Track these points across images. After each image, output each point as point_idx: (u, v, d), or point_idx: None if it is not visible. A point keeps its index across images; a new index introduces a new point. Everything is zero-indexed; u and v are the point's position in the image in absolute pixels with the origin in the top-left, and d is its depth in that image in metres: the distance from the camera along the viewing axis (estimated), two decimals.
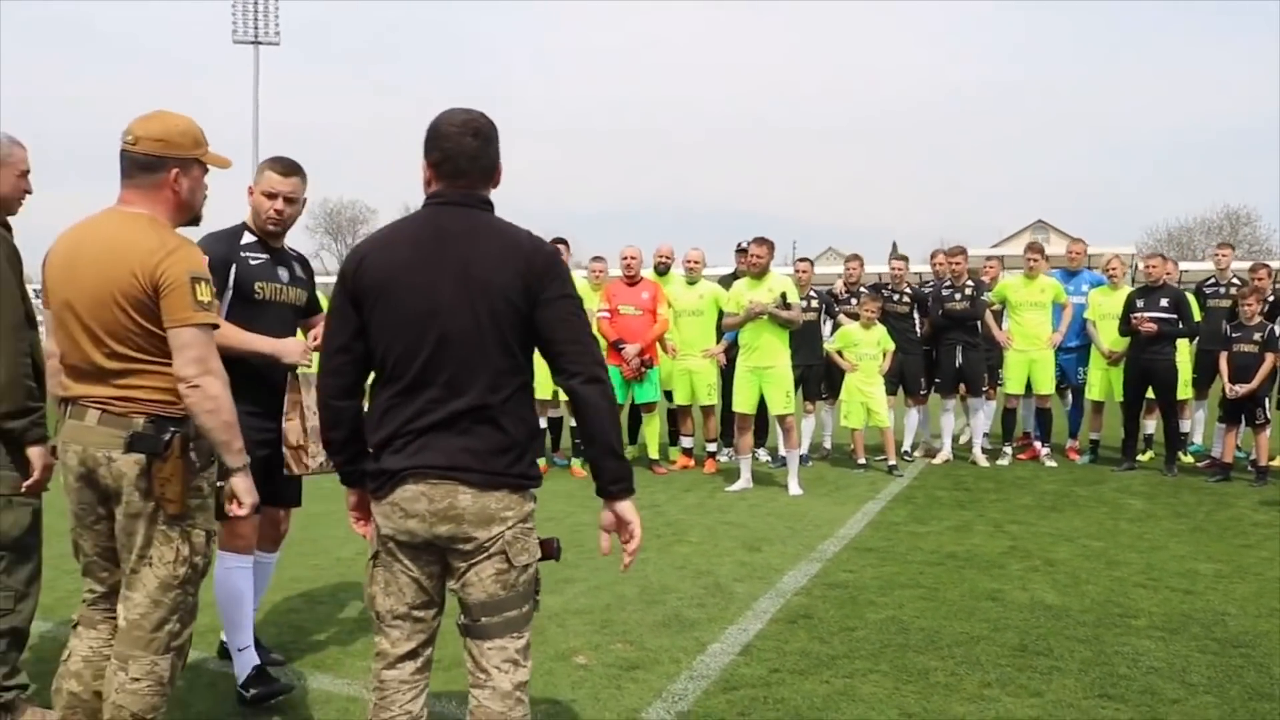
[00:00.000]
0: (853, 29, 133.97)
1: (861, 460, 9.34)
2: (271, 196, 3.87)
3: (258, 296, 3.82)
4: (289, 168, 3.92)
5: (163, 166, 2.91)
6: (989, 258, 11.98)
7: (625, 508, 2.68)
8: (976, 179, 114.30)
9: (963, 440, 10.47)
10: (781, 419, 8.26)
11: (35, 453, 3.42)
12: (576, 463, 9.21)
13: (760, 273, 8.22)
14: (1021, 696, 3.89)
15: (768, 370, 8.13)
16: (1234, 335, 8.58)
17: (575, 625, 4.73)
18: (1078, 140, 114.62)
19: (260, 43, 53.60)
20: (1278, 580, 5.53)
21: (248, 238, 3.93)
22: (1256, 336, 8.44)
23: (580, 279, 9.18)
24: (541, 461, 8.96)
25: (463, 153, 2.61)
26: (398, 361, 2.57)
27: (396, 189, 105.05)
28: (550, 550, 2.73)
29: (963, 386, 9.82)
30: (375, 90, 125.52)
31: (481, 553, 2.58)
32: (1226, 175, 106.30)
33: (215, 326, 2.91)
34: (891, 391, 9.53)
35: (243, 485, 2.97)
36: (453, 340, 2.53)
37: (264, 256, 3.89)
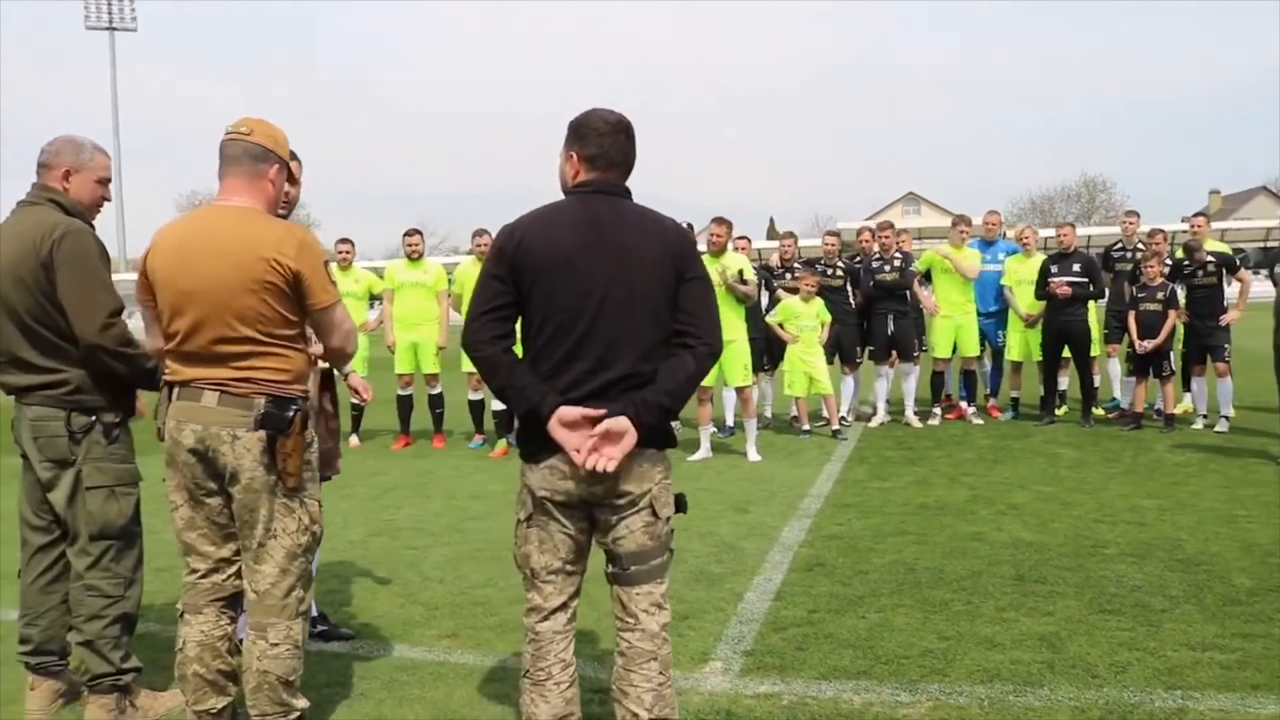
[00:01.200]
0: (719, 7, 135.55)
1: (806, 426, 9.86)
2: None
3: None
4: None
5: (268, 159, 3.16)
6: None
7: (623, 424, 2.75)
8: (848, 155, 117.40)
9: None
10: (740, 390, 8.71)
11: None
12: (502, 443, 9.45)
13: (719, 251, 8.64)
14: (1035, 616, 4.40)
15: (728, 344, 8.53)
16: (1139, 295, 9.39)
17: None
18: (943, 115, 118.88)
19: (116, 29, 51.44)
20: (1211, 510, 6.23)
21: None
22: (1160, 296, 9.26)
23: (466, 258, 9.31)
24: (502, 443, 9.31)
25: (616, 148, 2.92)
26: (555, 334, 2.83)
27: None
28: (681, 504, 3.03)
29: (895, 352, 10.43)
30: (241, 78, 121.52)
31: (632, 507, 2.88)
32: (1084, 145, 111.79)
33: None
34: (829, 360, 10.07)
35: (359, 380, 3.65)
36: (609, 315, 2.81)
37: None
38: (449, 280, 10.05)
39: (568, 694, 2.97)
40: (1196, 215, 10.51)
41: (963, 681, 3.75)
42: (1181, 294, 9.39)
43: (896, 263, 10.06)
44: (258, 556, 3.12)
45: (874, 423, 10.38)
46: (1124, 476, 7.39)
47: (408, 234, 10.03)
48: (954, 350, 10.35)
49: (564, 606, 3.00)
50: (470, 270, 9.55)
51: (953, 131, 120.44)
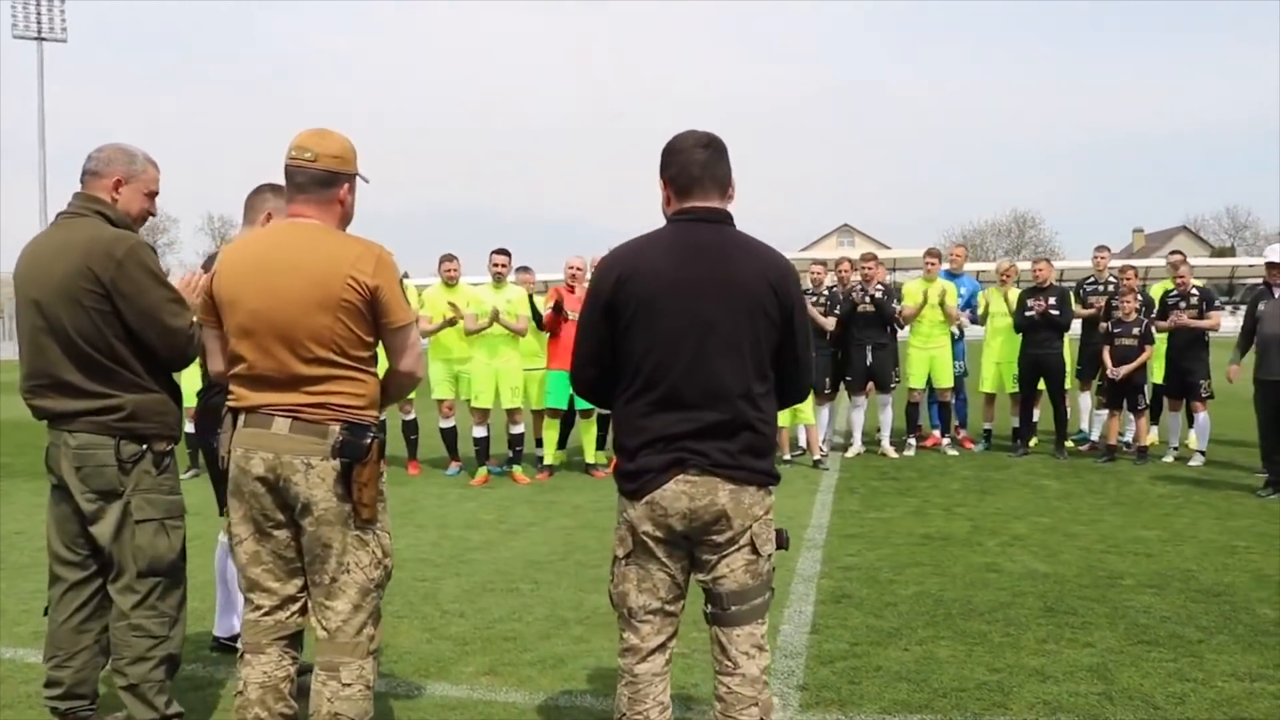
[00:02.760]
0: (657, 32, 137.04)
1: (787, 456, 9.85)
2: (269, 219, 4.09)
3: None
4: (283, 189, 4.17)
5: (337, 182, 3.00)
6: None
7: None
8: (782, 185, 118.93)
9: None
10: None
11: None
12: (517, 470, 9.33)
13: None
14: (1075, 647, 4.41)
15: None
16: (1115, 331, 9.58)
17: None
18: (878, 147, 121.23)
19: (44, 39, 50.18)
20: (1211, 541, 6.34)
21: None
22: (1135, 331, 9.47)
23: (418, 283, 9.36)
24: (482, 471, 9.14)
25: (708, 172, 2.83)
26: (655, 370, 2.75)
27: (198, 196, 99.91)
28: (781, 540, 2.96)
29: (871, 383, 10.49)
30: (172, 92, 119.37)
31: (733, 545, 2.80)
32: (1013, 180, 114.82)
33: None
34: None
35: None
36: (712, 350, 2.73)
37: (204, 273, 4.01)
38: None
39: None
40: (1100, 249, 10.83)
41: (1025, 714, 3.73)
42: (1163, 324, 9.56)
43: (878, 294, 10.13)
44: (329, 593, 2.95)
45: (850, 453, 10.42)
46: (1114, 508, 7.49)
47: (444, 259, 9.74)
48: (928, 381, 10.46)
49: (662, 647, 2.90)
50: (437, 295, 9.37)
51: (884, 166, 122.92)
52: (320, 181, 2.96)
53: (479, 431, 9.25)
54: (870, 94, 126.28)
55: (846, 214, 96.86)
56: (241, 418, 2.96)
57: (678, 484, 2.74)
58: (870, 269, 10.23)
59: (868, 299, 10.13)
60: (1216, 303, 9.80)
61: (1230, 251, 63.87)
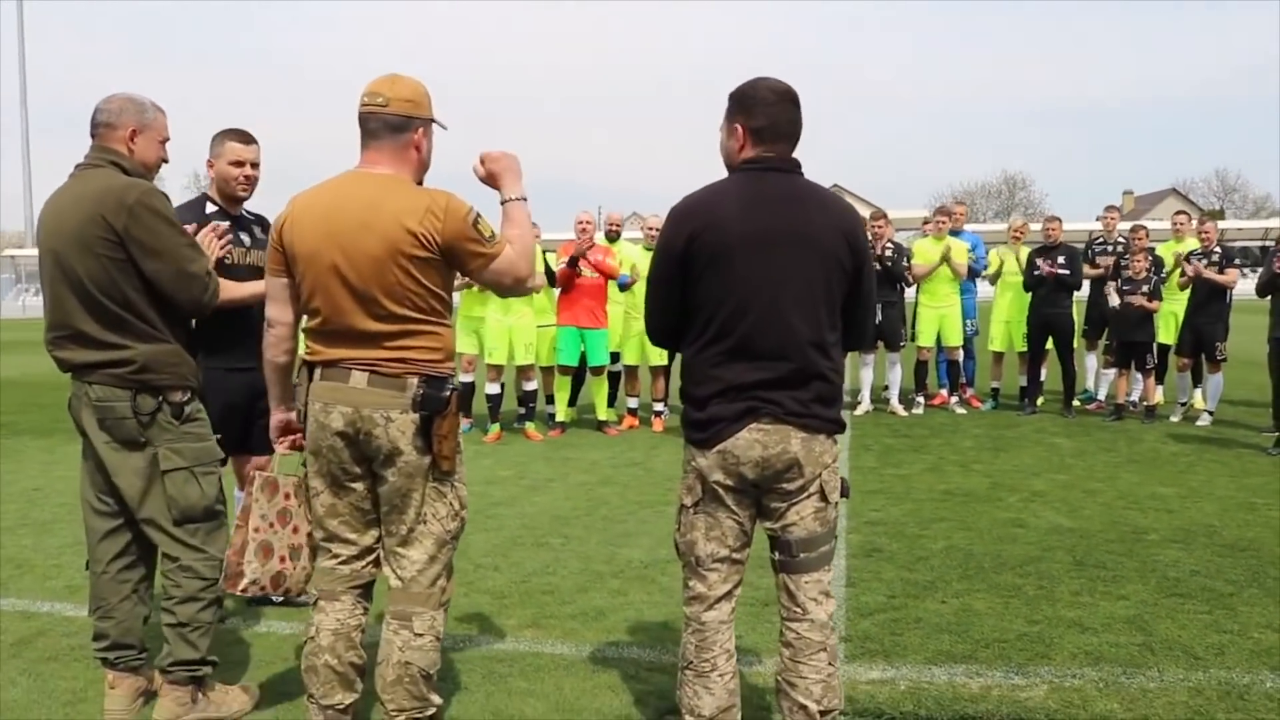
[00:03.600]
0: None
1: None
2: (239, 164, 4.15)
3: (226, 262, 3.98)
4: (248, 136, 4.21)
5: (410, 127, 2.93)
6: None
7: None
8: None
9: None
10: None
11: None
12: (530, 426, 9.34)
13: None
14: (1110, 600, 4.46)
15: None
16: (1125, 289, 9.60)
17: (677, 573, 4.97)
18: (869, 110, 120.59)
19: None
20: (1230, 498, 6.41)
21: (210, 208, 4.22)
22: (1144, 289, 9.49)
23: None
24: (495, 428, 9.15)
25: (786, 120, 2.82)
26: (728, 320, 2.74)
27: (183, 155, 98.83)
28: (845, 489, 2.98)
29: (880, 342, 10.50)
30: (157, 50, 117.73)
31: (803, 493, 2.82)
32: (1003, 142, 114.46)
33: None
34: None
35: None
36: (785, 300, 2.73)
37: (226, 224, 3.99)
38: None
39: (730, 685, 2.90)
40: (1109, 209, 10.85)
41: (1069, 664, 3.78)
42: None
43: (889, 252, 10.12)
44: (406, 542, 2.96)
45: (859, 411, 10.46)
46: (1129, 465, 7.56)
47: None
48: (938, 340, 10.49)
49: (728, 595, 2.92)
50: None
51: (873, 127, 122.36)
52: (393, 127, 2.90)
53: (492, 388, 9.24)
54: (859, 54, 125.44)
55: (838, 175, 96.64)
56: (318, 371, 2.93)
57: (750, 432, 2.76)
58: (879, 228, 10.21)
59: (877, 258, 10.13)
60: (1235, 261, 9.78)
61: (1219, 214, 63.96)
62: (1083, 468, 7.49)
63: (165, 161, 3.53)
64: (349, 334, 2.87)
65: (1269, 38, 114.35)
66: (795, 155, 2.89)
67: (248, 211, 4.32)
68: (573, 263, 8.90)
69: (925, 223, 11.44)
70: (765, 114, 2.82)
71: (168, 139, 3.51)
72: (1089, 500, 6.40)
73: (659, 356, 9.52)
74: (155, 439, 3.30)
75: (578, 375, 9.79)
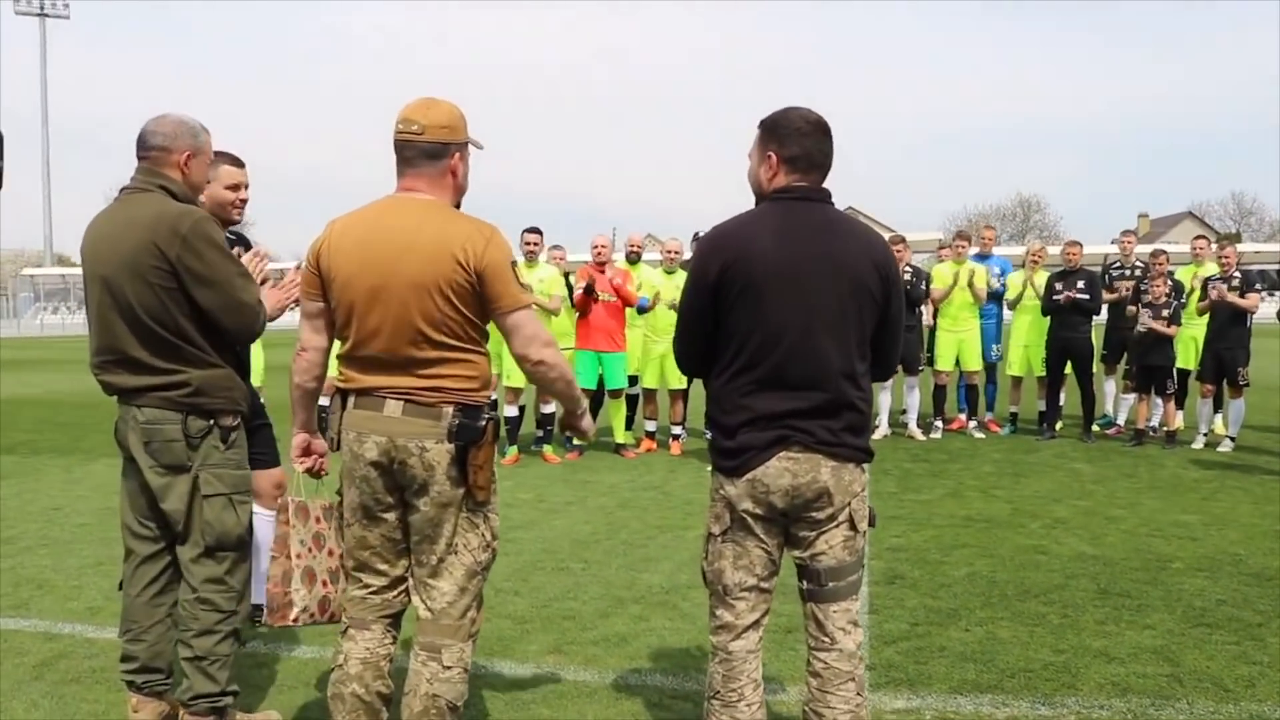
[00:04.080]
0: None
1: None
2: (234, 188, 4.13)
3: None
4: (239, 160, 4.18)
5: (447, 153, 2.92)
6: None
7: None
8: None
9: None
10: None
11: None
12: (547, 449, 9.33)
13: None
14: (1136, 629, 4.42)
15: None
16: (1148, 314, 9.56)
17: (699, 599, 4.95)
18: (883, 131, 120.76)
19: (46, 15, 50.09)
20: (1254, 526, 6.35)
21: None
22: (1165, 314, 9.45)
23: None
24: (513, 450, 9.15)
25: (819, 150, 2.83)
26: (760, 349, 2.74)
27: None
28: (872, 518, 2.97)
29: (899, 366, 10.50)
30: (175, 74, 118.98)
31: (832, 522, 2.81)
32: (1019, 165, 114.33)
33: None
34: None
35: (586, 423, 3.19)
36: (817, 330, 2.73)
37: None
38: None
39: (758, 715, 2.88)
40: (1126, 233, 10.85)
41: (1096, 695, 3.74)
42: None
43: (907, 276, 10.12)
44: (436, 573, 2.93)
45: (876, 435, 10.41)
46: (1151, 492, 7.50)
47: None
48: (956, 364, 10.46)
49: (756, 624, 2.90)
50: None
51: (888, 148, 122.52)
52: (429, 154, 2.90)
53: (511, 410, 9.24)
54: (874, 77, 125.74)
55: (852, 198, 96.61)
56: (352, 399, 2.92)
57: (781, 461, 2.75)
58: (898, 252, 10.19)
59: None
60: (1256, 286, 9.74)
61: (1236, 238, 63.69)
62: (1104, 494, 7.44)
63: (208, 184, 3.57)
64: (384, 361, 2.85)
65: None
66: (826, 185, 2.89)
67: (230, 233, 4.33)
68: (589, 290, 8.92)
69: (942, 247, 11.45)
70: (799, 143, 2.82)
71: (213, 161, 3.56)
72: (1111, 527, 6.35)
73: (677, 380, 9.51)
74: (199, 462, 3.31)
75: (596, 398, 9.80)
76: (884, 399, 10.54)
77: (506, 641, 4.38)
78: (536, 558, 5.75)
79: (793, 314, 2.73)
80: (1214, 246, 10.43)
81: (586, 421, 3.21)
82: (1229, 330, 9.31)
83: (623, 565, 5.59)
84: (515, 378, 9.06)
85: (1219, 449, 9.34)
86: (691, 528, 6.42)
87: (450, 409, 2.84)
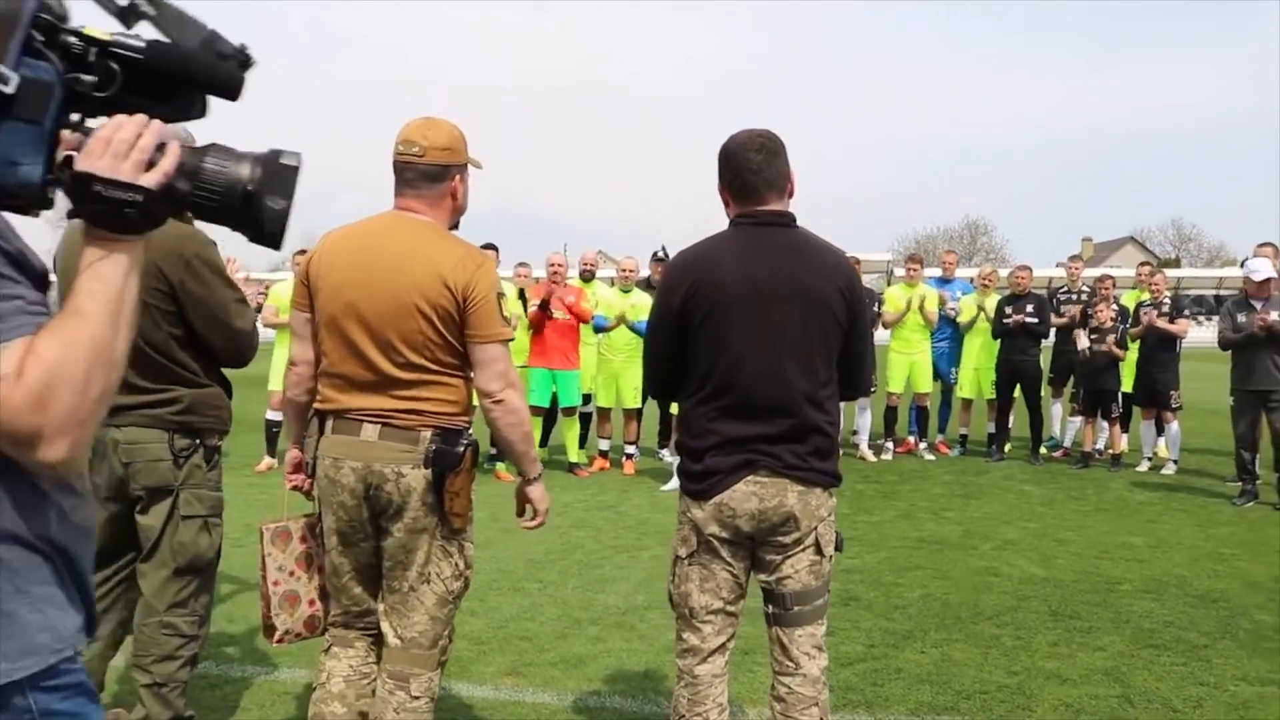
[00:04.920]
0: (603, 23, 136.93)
1: None
2: None
3: None
4: None
5: (447, 175, 2.89)
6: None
7: None
8: None
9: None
10: None
11: None
12: (501, 467, 9.28)
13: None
14: (1087, 651, 4.49)
15: None
16: (1093, 338, 9.76)
17: (656, 620, 4.94)
18: (830, 151, 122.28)
19: None
20: (1198, 548, 6.49)
21: None
22: (1111, 338, 9.65)
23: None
24: (500, 466, 9.08)
25: (766, 171, 2.80)
26: (726, 374, 2.75)
27: None
28: (839, 543, 2.98)
29: None
30: None
31: (798, 546, 2.82)
32: (966, 187, 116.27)
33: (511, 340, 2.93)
34: None
35: (537, 493, 3.04)
36: (783, 354, 2.74)
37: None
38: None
39: None
40: (1073, 258, 11.13)
41: (1049, 716, 3.80)
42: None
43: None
44: (406, 601, 2.87)
45: None
46: (1098, 514, 7.64)
47: (298, 253, 9.55)
48: (906, 385, 10.58)
49: (722, 648, 2.90)
50: (288, 289, 9.31)
51: (836, 170, 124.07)
52: (429, 177, 2.86)
53: None
54: (821, 99, 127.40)
55: (800, 218, 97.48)
56: (330, 423, 2.87)
57: (747, 485, 2.76)
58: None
59: None
60: (1186, 312, 9.99)
61: (1175, 263, 65.25)
62: (1053, 516, 7.56)
63: None
64: (361, 381, 2.81)
65: (1225, 93, 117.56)
66: (788, 206, 2.90)
67: None
68: (544, 305, 8.91)
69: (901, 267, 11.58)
70: (737, 171, 2.81)
71: None
72: (1060, 549, 6.45)
73: (632, 399, 9.52)
74: (181, 481, 3.23)
75: (549, 416, 9.77)
76: (865, 419, 10.55)
77: (464, 662, 4.33)
78: (493, 578, 5.70)
79: (757, 338, 2.74)
80: (1144, 271, 10.66)
81: (537, 491, 3.05)
82: (1158, 355, 9.54)
83: (579, 585, 5.56)
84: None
85: (1162, 471, 9.54)
86: (646, 548, 6.42)
87: (428, 433, 2.80)
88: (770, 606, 2.90)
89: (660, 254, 9.75)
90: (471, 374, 2.88)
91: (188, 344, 3.19)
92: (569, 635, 4.70)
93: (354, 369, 2.82)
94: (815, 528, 2.83)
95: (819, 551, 2.85)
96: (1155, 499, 8.26)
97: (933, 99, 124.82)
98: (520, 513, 3.12)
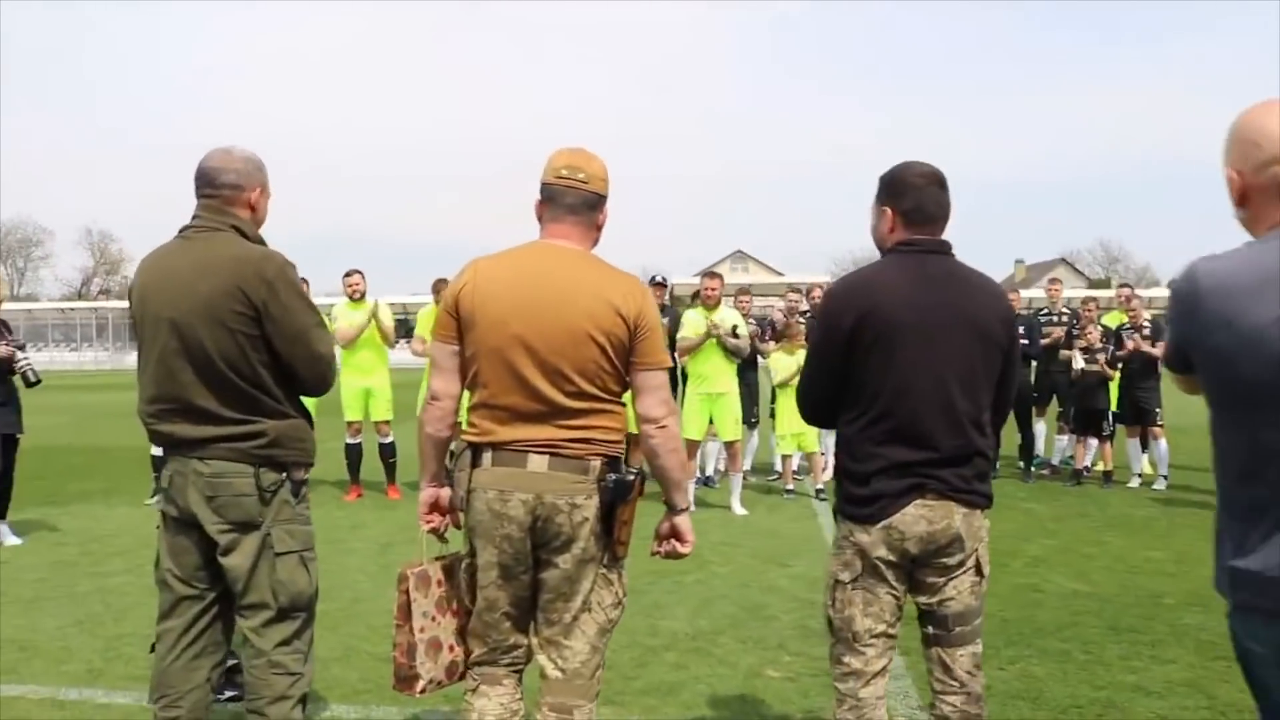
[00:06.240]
0: (534, 52, 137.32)
1: (790, 486, 9.81)
2: None
3: None
4: None
5: (600, 205, 2.93)
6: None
7: None
8: (673, 211, 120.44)
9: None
10: (729, 444, 8.76)
11: None
12: None
13: (713, 305, 8.73)
14: (1161, 664, 4.61)
15: (720, 397, 8.62)
16: (1085, 358, 10.02)
17: (730, 645, 4.96)
18: (770, 174, 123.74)
19: None
20: None
21: None
22: (1100, 358, 9.92)
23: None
24: None
25: (934, 201, 2.93)
26: (894, 399, 2.80)
27: (75, 208, 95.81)
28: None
29: None
30: (42, 102, 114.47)
31: (961, 568, 2.89)
32: None
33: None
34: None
35: (687, 524, 3.02)
36: (949, 381, 2.81)
37: None
38: (386, 319, 9.76)
39: None
40: (1053, 280, 11.53)
41: None
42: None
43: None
44: (569, 632, 2.85)
45: (827, 475, 10.57)
46: (1110, 530, 7.83)
47: (347, 274, 9.67)
48: None
49: (884, 671, 2.94)
50: (430, 315, 9.33)
51: (777, 192, 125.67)
52: (590, 204, 2.89)
53: None
54: (758, 123, 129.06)
55: (738, 240, 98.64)
56: (487, 454, 2.82)
57: (916, 508, 2.80)
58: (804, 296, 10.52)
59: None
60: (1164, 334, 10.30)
61: (1105, 283, 67.07)
62: (1068, 533, 7.72)
63: None
64: (526, 412, 2.76)
65: (1147, 118, 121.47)
66: (945, 237, 2.98)
67: None
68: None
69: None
70: (914, 197, 2.92)
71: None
72: (1090, 565, 6.60)
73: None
74: (271, 518, 3.10)
75: None
76: (829, 439, 10.61)
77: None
78: None
79: (925, 364, 2.80)
80: (1121, 294, 11.01)
81: (687, 522, 2.99)
82: (1141, 376, 9.85)
83: (634, 612, 5.49)
84: None
85: (1154, 487, 9.80)
86: (688, 573, 6.41)
87: (598, 462, 2.79)
88: (930, 628, 2.95)
89: (659, 279, 9.78)
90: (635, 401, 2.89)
91: (271, 370, 3.09)
92: (649, 663, 4.69)
93: (519, 400, 2.77)
94: (976, 549, 2.90)
95: (979, 572, 2.93)
96: (1158, 514, 8.49)
97: (864, 122, 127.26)
98: (662, 541, 3.09)
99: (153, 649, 3.31)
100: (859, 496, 2.87)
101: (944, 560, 2.86)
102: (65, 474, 11.46)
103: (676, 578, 6.32)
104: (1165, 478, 9.91)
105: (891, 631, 2.93)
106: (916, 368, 2.80)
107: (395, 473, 9.78)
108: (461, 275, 2.89)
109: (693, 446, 8.77)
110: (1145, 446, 10.39)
